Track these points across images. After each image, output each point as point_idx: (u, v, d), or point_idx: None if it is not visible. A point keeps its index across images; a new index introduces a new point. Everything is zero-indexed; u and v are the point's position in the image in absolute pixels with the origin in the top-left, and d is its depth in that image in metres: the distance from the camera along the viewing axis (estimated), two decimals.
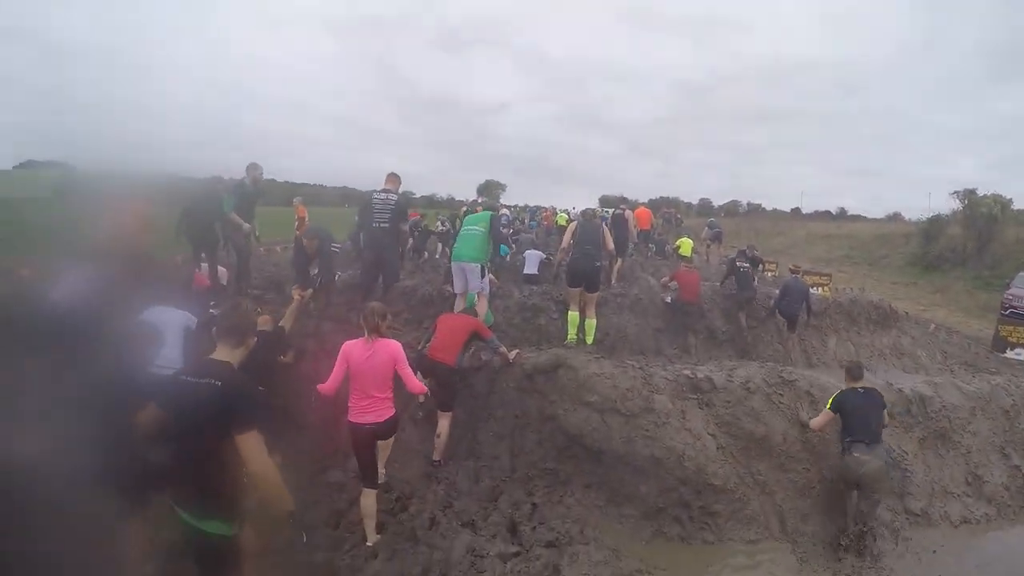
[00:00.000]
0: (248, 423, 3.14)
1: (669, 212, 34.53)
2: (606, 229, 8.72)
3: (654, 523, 6.20)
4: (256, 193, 9.22)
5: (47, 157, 6.75)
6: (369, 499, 5.06)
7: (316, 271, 8.42)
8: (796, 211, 65.12)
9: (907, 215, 46.02)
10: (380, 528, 5.19)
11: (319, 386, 4.97)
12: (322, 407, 5.87)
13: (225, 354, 3.45)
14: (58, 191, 6.24)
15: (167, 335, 5.30)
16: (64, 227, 6.16)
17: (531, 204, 45.66)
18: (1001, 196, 27.24)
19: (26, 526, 3.64)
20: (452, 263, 8.21)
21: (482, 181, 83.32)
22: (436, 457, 6.35)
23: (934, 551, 6.28)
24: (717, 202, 77.32)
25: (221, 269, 9.13)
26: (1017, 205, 28.25)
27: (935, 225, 29.93)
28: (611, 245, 8.83)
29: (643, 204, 23.58)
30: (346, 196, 58.66)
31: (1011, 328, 14.60)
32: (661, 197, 68.09)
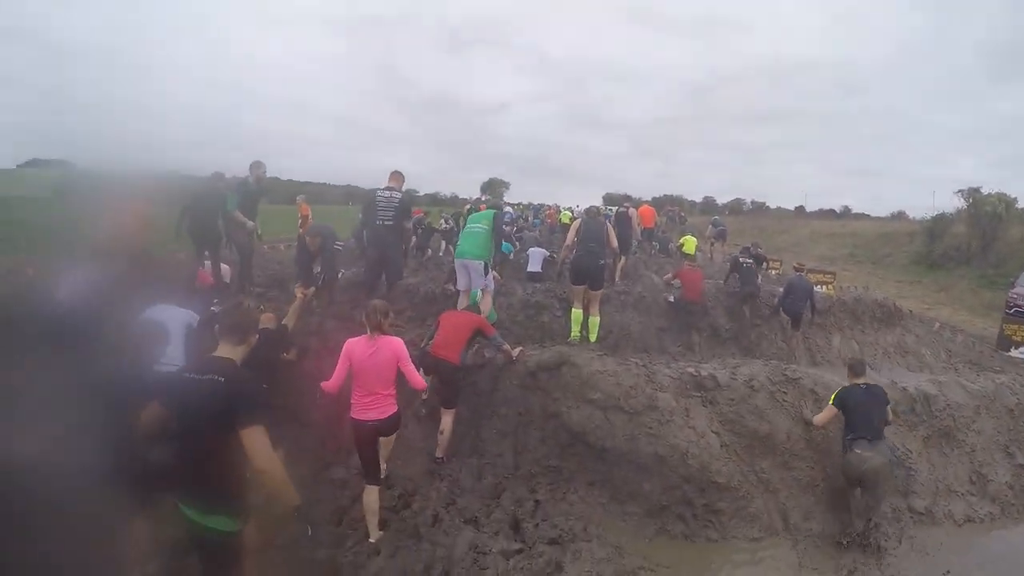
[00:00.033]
0: (252, 418, 3.14)
1: (673, 210, 34.50)
2: (610, 227, 8.71)
3: (657, 521, 6.19)
4: (259, 191, 9.24)
5: (50, 156, 6.76)
6: (372, 496, 5.06)
7: (319, 269, 8.43)
8: (800, 209, 65.11)
9: (911, 214, 45.94)
10: (383, 525, 5.19)
11: (323, 384, 4.98)
12: (324, 404, 5.87)
13: (227, 351, 3.46)
14: (59, 190, 6.26)
15: (171, 333, 5.31)
16: (66, 226, 6.18)
17: (535, 202, 45.67)
18: (1006, 195, 27.14)
19: (33, 525, 3.66)
20: (456, 260, 8.22)
21: (485, 179, 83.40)
22: (439, 454, 6.34)
23: (937, 549, 6.27)
24: (721, 200, 77.17)
25: (224, 267, 9.14)
26: (1021, 204, 28.14)
27: (939, 224, 29.82)
28: (615, 243, 8.82)
29: (647, 202, 23.48)
30: (350, 194, 58.78)
31: (1016, 327, 14.59)
32: (664, 195, 67.96)
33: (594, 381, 6.64)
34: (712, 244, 22.37)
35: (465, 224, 8.93)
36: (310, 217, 17.05)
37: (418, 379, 5.27)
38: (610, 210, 15.30)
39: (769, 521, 6.33)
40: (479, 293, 7.91)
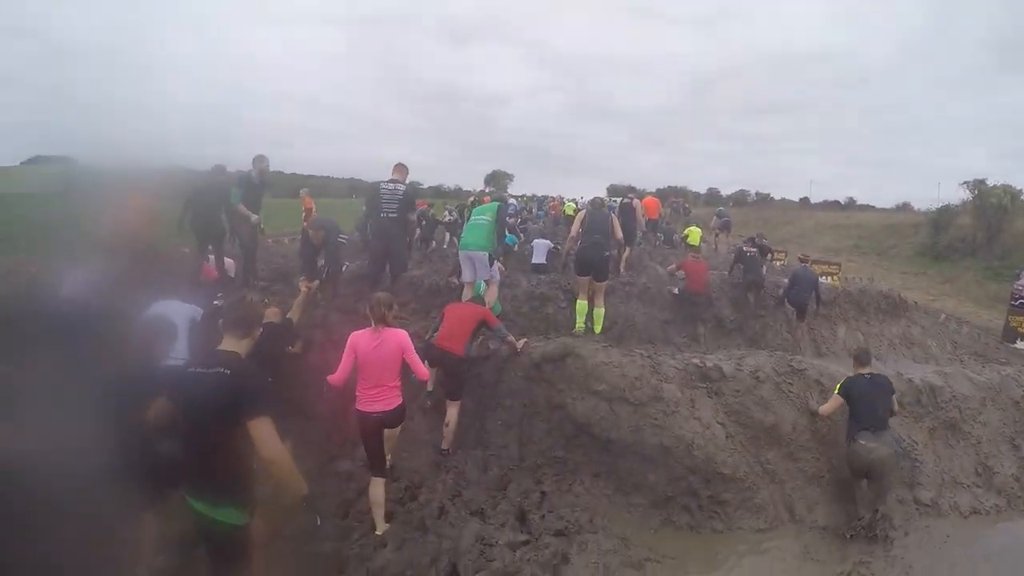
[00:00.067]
0: (259, 409, 3.16)
1: (677, 201, 34.31)
2: (614, 218, 8.69)
3: (663, 512, 6.19)
4: (262, 185, 9.21)
5: (53, 153, 6.77)
6: (377, 488, 5.07)
7: (323, 262, 8.44)
8: (805, 201, 64.86)
9: (916, 205, 45.79)
10: (389, 517, 5.19)
11: (329, 377, 4.99)
12: (330, 398, 5.87)
13: (232, 345, 3.47)
14: (65, 186, 6.26)
15: (177, 329, 5.33)
16: (69, 223, 6.19)
17: (538, 194, 45.61)
18: (1011, 186, 27.11)
19: (42, 524, 3.67)
20: (460, 252, 8.24)
21: (489, 171, 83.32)
22: (445, 446, 6.34)
23: (943, 541, 6.26)
24: (725, 191, 76.93)
25: (228, 261, 9.15)
26: None
27: (945, 215, 29.79)
28: (620, 234, 8.80)
29: (651, 193, 23.41)
30: (353, 187, 58.70)
31: (1021, 318, 14.59)
32: (669, 187, 67.68)
33: (599, 372, 6.63)
34: (717, 235, 22.30)
35: (469, 216, 8.93)
36: (314, 210, 17.09)
37: (423, 369, 5.28)
38: (614, 201, 15.26)
39: (775, 512, 6.34)
40: (483, 285, 7.92)
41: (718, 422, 6.62)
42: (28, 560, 3.65)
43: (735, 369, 7.08)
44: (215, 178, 8.62)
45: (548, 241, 14.05)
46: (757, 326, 10.78)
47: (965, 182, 28.99)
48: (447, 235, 17.68)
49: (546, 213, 28.45)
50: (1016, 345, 14.27)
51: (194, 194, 8.22)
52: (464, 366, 6.39)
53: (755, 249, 11.51)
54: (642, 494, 6.28)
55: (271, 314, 5.89)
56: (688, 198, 50.09)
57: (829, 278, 14.70)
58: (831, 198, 65.92)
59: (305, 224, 10.49)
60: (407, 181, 8.28)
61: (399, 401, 5.08)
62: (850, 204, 62.54)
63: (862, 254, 32.28)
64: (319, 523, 3.90)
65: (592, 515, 5.88)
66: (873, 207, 57.29)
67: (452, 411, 6.32)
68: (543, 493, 6.06)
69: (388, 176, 8.14)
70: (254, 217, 8.86)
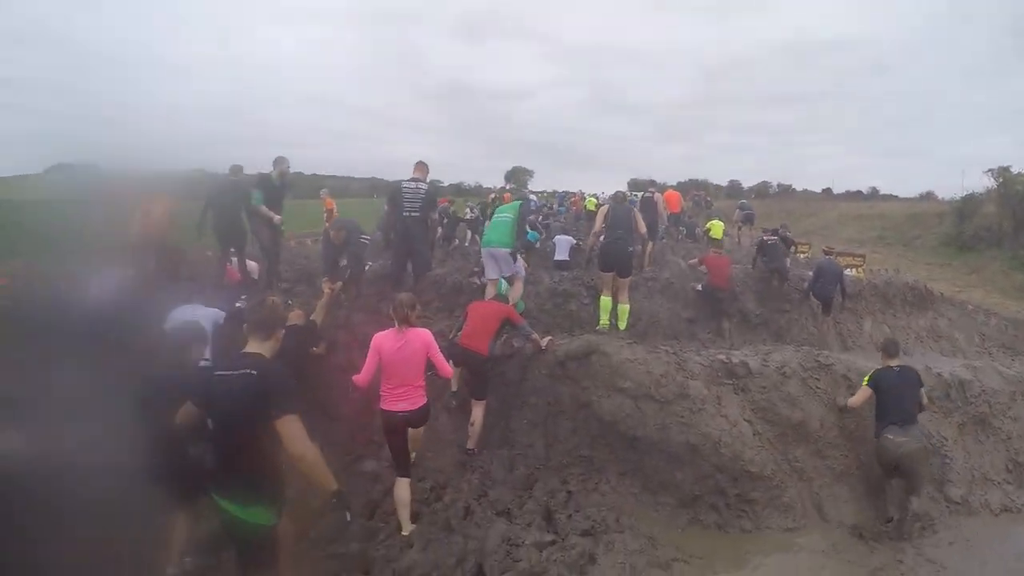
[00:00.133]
0: (286, 407, 3.19)
1: (699, 195, 34.11)
2: (637, 213, 8.66)
3: (690, 511, 6.15)
4: (283, 187, 9.21)
5: (75, 160, 6.83)
6: (403, 488, 5.09)
7: (345, 262, 8.45)
8: (827, 191, 64.05)
9: (940, 194, 45.19)
10: (415, 518, 5.21)
11: (353, 377, 5.02)
12: (354, 398, 5.88)
13: (256, 347, 3.50)
14: (85, 193, 6.33)
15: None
16: (94, 229, 6.25)
17: (559, 190, 45.47)
18: None
19: (67, 525, 3.72)
20: (483, 249, 8.25)
21: (509, 168, 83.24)
22: (470, 446, 6.34)
23: (974, 539, 6.16)
24: (746, 183, 76.15)
25: (251, 263, 9.19)
26: None
27: (969, 204, 29.40)
28: (643, 228, 8.78)
29: (672, 187, 23.29)
30: (374, 187, 58.83)
31: None
32: (690, 180, 67.16)
33: (624, 370, 6.59)
34: (740, 228, 22.17)
35: (492, 214, 8.93)
36: (335, 211, 17.13)
37: (447, 367, 5.30)
38: (635, 195, 15.19)
39: (803, 511, 6.27)
40: (504, 284, 7.91)
41: (745, 419, 6.56)
42: (60, 561, 3.71)
43: (761, 365, 7.01)
44: (233, 179, 8.64)
45: (570, 237, 14.03)
46: (782, 320, 10.69)
47: (989, 170, 28.77)
48: (468, 233, 17.69)
49: (567, 209, 28.38)
50: None
51: (213, 196, 8.26)
52: (488, 365, 6.38)
53: (776, 237, 11.45)
54: (669, 493, 6.24)
55: (295, 316, 5.93)
56: (709, 191, 49.70)
57: (854, 270, 14.52)
58: (853, 188, 65.18)
59: (327, 225, 10.50)
60: (428, 179, 8.28)
61: (424, 400, 5.09)
62: (873, 194, 61.76)
63: (886, 245, 31.88)
64: (348, 519, 3.89)
65: (619, 514, 5.85)
66: (896, 196, 56.44)
67: (477, 411, 6.31)
68: (569, 492, 6.04)
69: (409, 175, 8.14)
70: (276, 218, 8.87)
